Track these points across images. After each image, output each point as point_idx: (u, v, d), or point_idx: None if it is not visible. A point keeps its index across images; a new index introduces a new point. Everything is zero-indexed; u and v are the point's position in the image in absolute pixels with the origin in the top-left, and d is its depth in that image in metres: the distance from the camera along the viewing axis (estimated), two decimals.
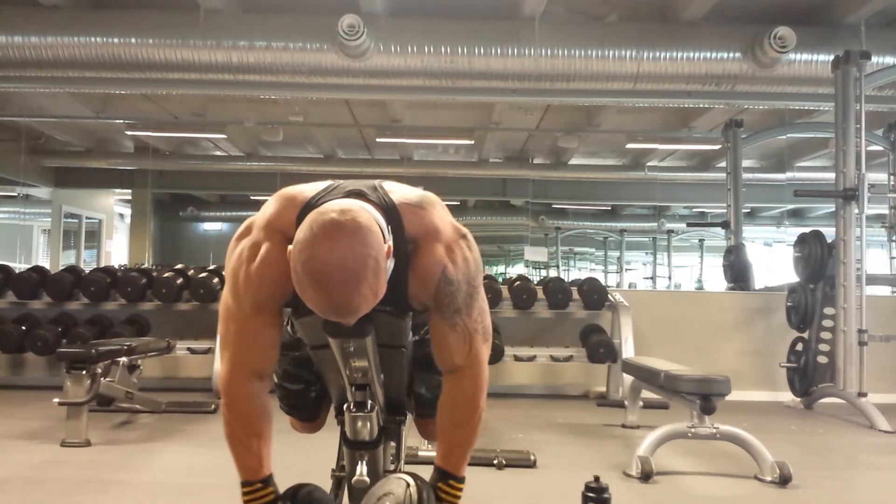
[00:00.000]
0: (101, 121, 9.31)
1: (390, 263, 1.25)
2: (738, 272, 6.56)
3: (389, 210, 1.32)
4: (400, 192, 1.38)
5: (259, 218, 1.37)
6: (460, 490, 1.47)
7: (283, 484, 1.48)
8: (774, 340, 5.24)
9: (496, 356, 4.84)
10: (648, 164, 11.77)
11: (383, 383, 1.50)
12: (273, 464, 1.45)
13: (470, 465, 1.51)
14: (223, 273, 2.46)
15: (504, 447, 3.26)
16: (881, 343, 4.73)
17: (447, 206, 1.46)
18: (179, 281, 5.17)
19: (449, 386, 1.46)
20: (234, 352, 1.39)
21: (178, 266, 6.11)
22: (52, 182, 11.98)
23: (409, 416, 1.75)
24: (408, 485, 1.38)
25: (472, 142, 10.34)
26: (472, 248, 1.40)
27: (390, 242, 1.25)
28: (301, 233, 1.16)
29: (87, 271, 5.47)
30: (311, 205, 1.31)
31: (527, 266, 14.95)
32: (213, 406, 4.25)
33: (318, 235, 1.14)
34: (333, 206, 1.19)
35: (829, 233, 5.07)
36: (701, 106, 7.73)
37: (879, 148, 7.30)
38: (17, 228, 11.13)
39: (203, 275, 5.17)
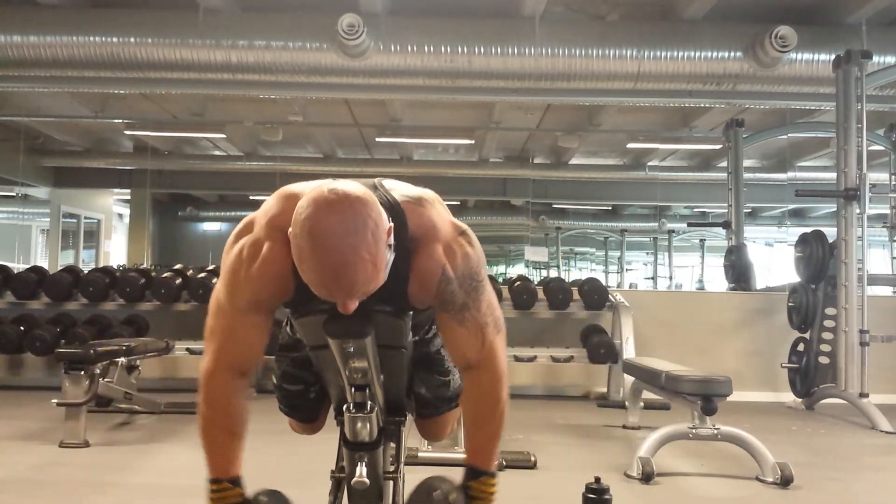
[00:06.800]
0: (100, 120, 9.27)
1: (390, 256, 1.24)
2: (739, 272, 6.55)
3: (393, 207, 1.32)
4: (401, 190, 1.38)
5: (261, 216, 1.37)
6: (494, 485, 1.46)
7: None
8: (776, 341, 5.23)
9: None
10: (649, 163, 11.76)
11: (383, 384, 1.49)
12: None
13: None
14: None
15: (504, 448, 3.20)
16: (882, 343, 4.72)
17: (447, 205, 1.45)
18: (178, 281, 5.15)
19: (468, 383, 1.45)
20: (220, 346, 1.38)
21: (177, 266, 6.11)
22: (50, 182, 11.96)
23: (409, 417, 1.74)
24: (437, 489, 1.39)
25: (472, 141, 10.33)
26: (472, 243, 1.39)
27: (391, 225, 1.24)
28: (301, 206, 1.18)
29: (86, 271, 5.47)
30: None
31: (527, 266, 14.91)
32: None
33: (318, 202, 1.16)
34: (333, 181, 1.21)
35: (830, 233, 5.06)
36: (702, 105, 7.72)
37: (881, 148, 7.30)
38: (16, 228, 11.10)
39: (202, 275, 5.16)
